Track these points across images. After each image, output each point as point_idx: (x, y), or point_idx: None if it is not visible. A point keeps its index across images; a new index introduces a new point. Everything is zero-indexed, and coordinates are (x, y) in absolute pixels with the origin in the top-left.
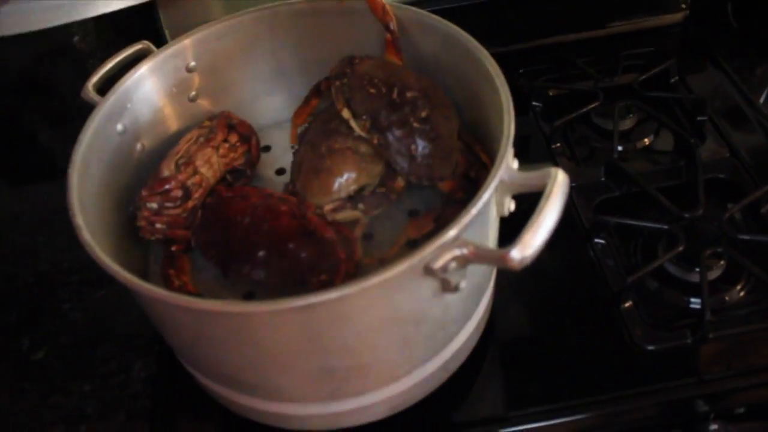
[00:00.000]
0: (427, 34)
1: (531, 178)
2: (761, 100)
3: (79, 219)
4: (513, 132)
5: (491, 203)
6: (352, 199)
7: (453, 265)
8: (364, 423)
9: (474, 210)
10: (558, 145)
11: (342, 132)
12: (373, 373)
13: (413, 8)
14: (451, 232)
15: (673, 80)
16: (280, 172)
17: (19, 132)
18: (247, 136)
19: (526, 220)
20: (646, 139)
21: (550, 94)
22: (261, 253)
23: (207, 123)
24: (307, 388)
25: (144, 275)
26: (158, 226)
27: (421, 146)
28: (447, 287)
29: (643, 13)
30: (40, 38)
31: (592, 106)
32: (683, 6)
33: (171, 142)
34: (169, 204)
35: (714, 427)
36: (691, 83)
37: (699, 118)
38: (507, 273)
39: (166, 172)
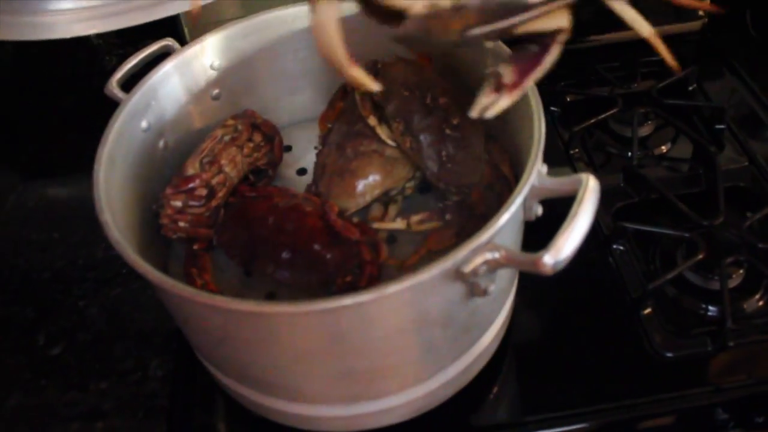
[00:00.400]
0: None
1: (562, 183)
2: None
3: (107, 216)
4: (544, 137)
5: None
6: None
7: (484, 269)
8: (385, 425)
9: (507, 214)
10: (576, 150)
11: (368, 134)
12: (398, 376)
13: None
14: (484, 236)
15: (691, 88)
16: (301, 172)
17: (35, 128)
18: (270, 136)
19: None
20: (663, 147)
21: (568, 99)
22: (285, 254)
23: (230, 122)
24: (331, 389)
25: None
26: (181, 224)
27: (452, 152)
28: (476, 291)
29: (661, 21)
30: None
31: (611, 112)
32: (701, 14)
33: (193, 139)
34: (193, 202)
35: None
36: (709, 91)
37: (717, 127)
38: (526, 278)
39: (190, 171)
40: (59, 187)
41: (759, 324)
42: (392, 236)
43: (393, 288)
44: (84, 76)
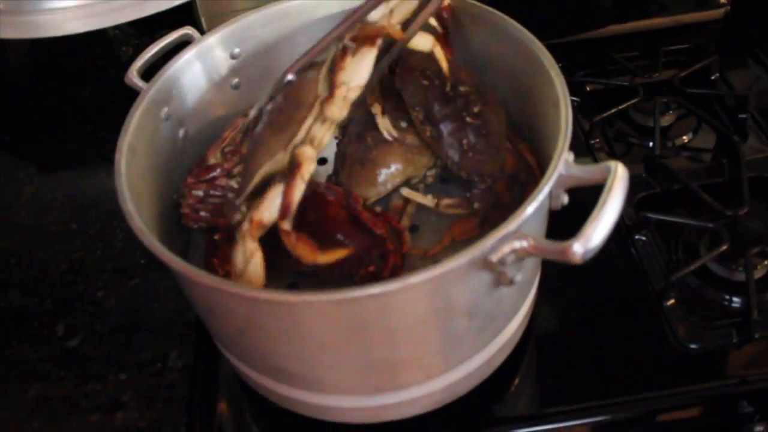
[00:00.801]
0: (476, 26)
1: (590, 171)
2: None
3: (130, 205)
4: (571, 125)
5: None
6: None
7: (511, 257)
8: (407, 417)
9: (535, 203)
10: (597, 140)
11: None
12: (421, 367)
13: None
14: (512, 225)
15: (713, 77)
16: (322, 162)
17: (51, 120)
18: None
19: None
20: (684, 137)
21: (588, 89)
22: None
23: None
24: (354, 380)
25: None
26: (202, 214)
27: (473, 141)
28: (503, 280)
29: (682, 9)
30: None
31: (632, 101)
32: (723, 2)
33: (213, 129)
34: (214, 192)
35: (759, 428)
36: (731, 80)
37: (741, 116)
38: (548, 268)
39: (212, 160)
40: (77, 179)
41: None
42: (415, 225)
43: (419, 277)
44: (100, 67)
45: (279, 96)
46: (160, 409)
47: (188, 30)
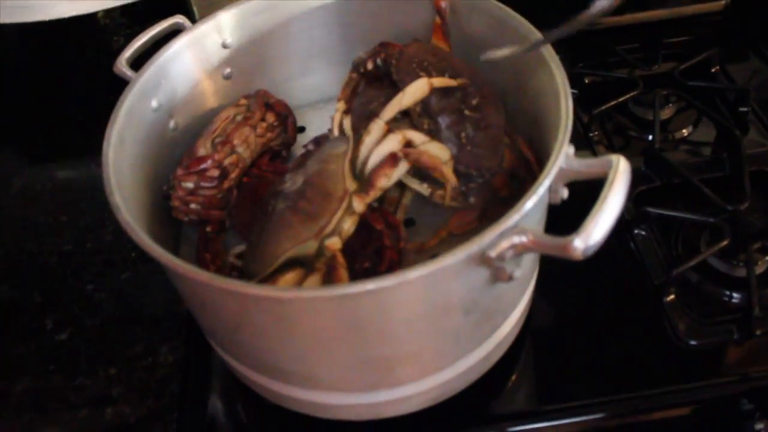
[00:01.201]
0: (475, 16)
1: (591, 165)
2: None
3: (117, 198)
4: (571, 118)
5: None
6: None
7: (510, 253)
8: (403, 413)
9: (534, 197)
10: (596, 133)
11: None
12: (417, 364)
13: None
14: (511, 220)
15: (714, 69)
16: None
17: (41, 110)
18: (284, 116)
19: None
20: (684, 130)
21: (586, 81)
22: None
23: (243, 101)
24: (349, 377)
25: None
26: (193, 206)
27: (471, 134)
28: (501, 276)
29: (683, 1)
30: None
31: (632, 94)
32: None
33: (204, 120)
34: (205, 184)
35: (760, 426)
36: (732, 72)
37: (741, 109)
38: (546, 263)
39: (202, 151)
40: (67, 170)
41: None
42: (411, 219)
43: (416, 273)
44: (91, 56)
45: (298, 177)
46: (150, 404)
47: (179, 18)
